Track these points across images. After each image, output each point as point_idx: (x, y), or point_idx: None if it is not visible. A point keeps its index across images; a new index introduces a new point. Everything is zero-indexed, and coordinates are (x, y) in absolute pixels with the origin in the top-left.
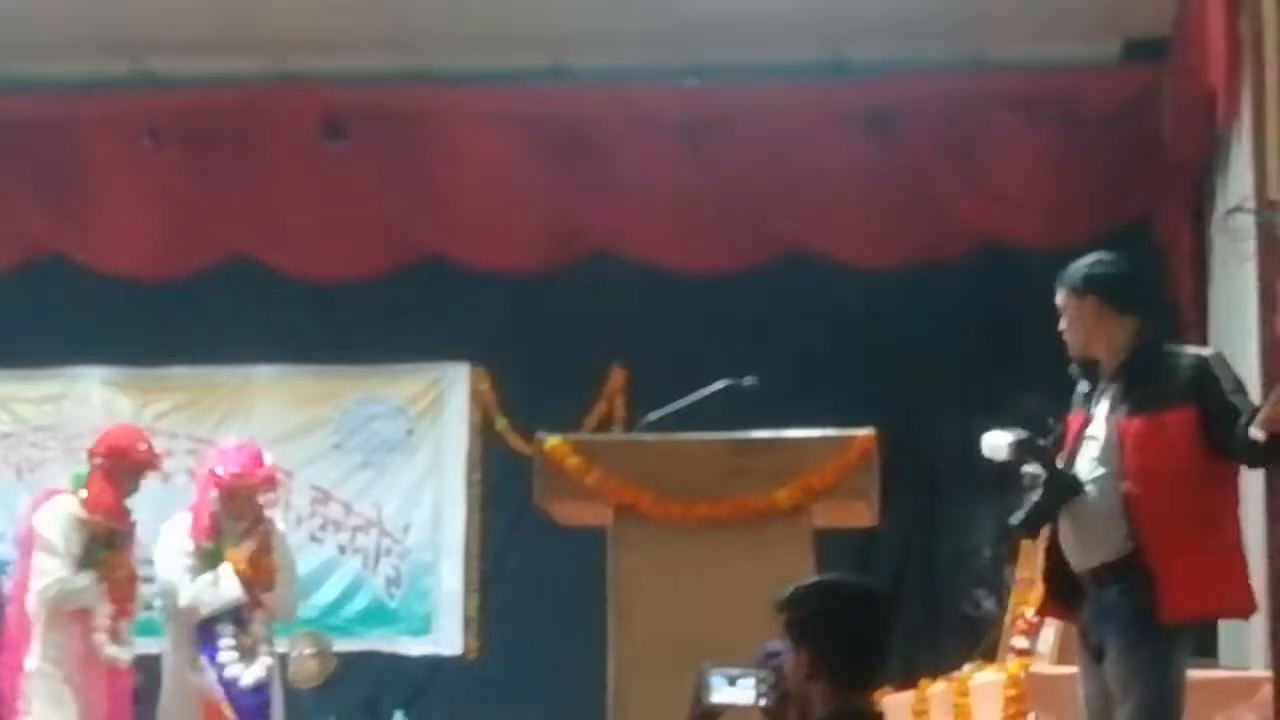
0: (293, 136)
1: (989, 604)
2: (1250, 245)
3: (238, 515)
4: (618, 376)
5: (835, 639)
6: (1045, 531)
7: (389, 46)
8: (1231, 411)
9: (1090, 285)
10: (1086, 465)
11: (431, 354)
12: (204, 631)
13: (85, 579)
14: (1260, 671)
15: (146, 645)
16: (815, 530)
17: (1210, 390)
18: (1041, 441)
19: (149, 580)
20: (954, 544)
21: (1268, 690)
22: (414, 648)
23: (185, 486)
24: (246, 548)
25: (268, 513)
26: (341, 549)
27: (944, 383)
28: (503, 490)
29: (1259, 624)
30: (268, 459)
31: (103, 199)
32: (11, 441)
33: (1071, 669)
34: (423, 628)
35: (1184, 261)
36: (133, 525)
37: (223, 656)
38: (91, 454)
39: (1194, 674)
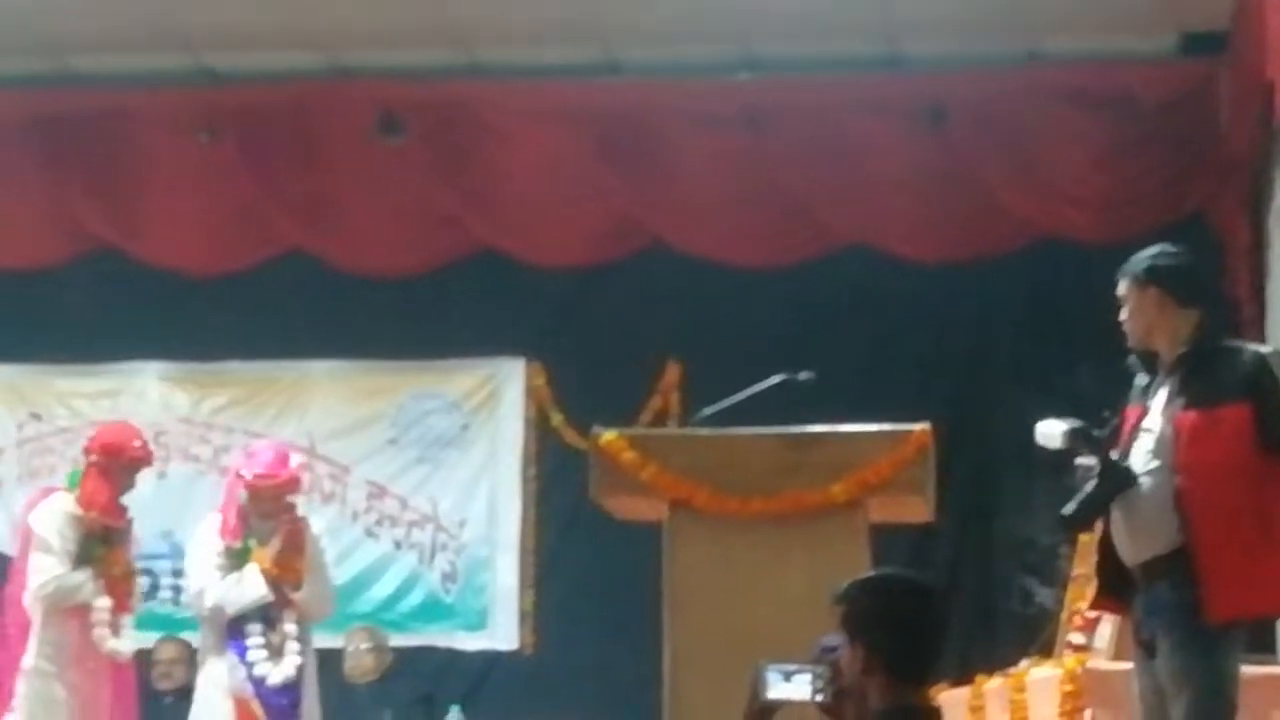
0: (348, 131)
1: (1043, 595)
2: None
3: (265, 515)
4: (673, 371)
5: (891, 634)
6: (1099, 525)
7: (444, 41)
8: None
9: (1154, 276)
10: (1141, 458)
11: (487, 349)
12: (233, 630)
13: (82, 576)
14: None
15: None
16: (871, 525)
17: (1267, 388)
18: (1096, 432)
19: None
20: (1010, 538)
21: None
22: (470, 643)
23: None
24: (273, 547)
25: (302, 513)
26: (397, 544)
27: (998, 376)
28: (558, 485)
29: None
30: (294, 460)
31: (160, 194)
32: (69, 436)
33: (1128, 665)
34: (478, 623)
35: (1241, 256)
36: (129, 522)
37: (251, 655)
38: (86, 451)
39: (1251, 670)
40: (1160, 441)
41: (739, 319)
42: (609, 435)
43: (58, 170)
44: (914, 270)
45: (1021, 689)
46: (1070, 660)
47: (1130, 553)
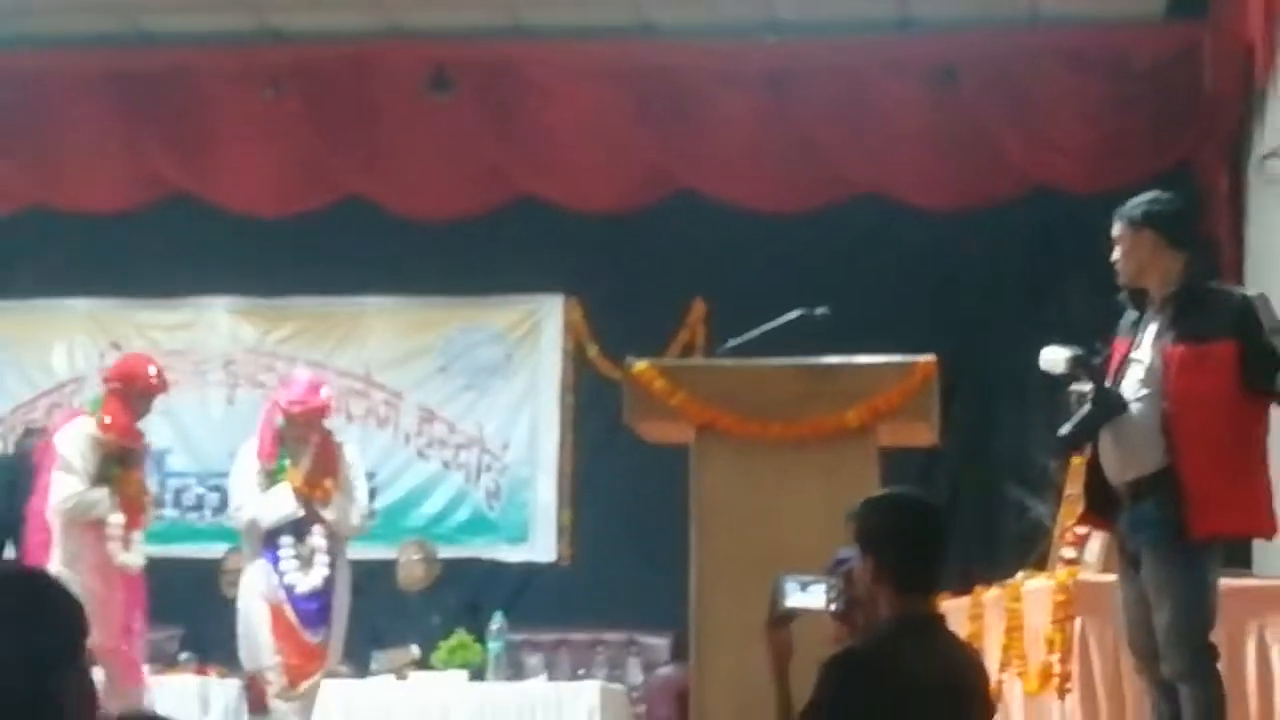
0: (401, 87)
1: (1037, 509)
2: None
3: (298, 438)
4: (699, 307)
5: (899, 547)
6: (1088, 448)
7: (491, 4)
8: (1269, 351)
9: (1149, 220)
10: (1131, 386)
11: (528, 286)
12: (268, 542)
13: (99, 493)
14: None
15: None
16: (881, 448)
17: (1252, 329)
18: (1094, 360)
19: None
20: (1007, 460)
21: None
22: (512, 555)
23: None
24: (304, 468)
25: (338, 438)
26: (446, 464)
27: (998, 312)
28: (593, 411)
29: None
30: (324, 390)
31: (229, 144)
32: None
33: (1114, 577)
34: (520, 536)
35: (1222, 204)
36: (146, 445)
37: (283, 565)
38: (106, 380)
39: (1228, 583)
40: (1150, 372)
41: (760, 260)
42: (641, 365)
43: (136, 123)
44: (922, 216)
45: (1017, 599)
46: (1062, 573)
47: (1118, 473)
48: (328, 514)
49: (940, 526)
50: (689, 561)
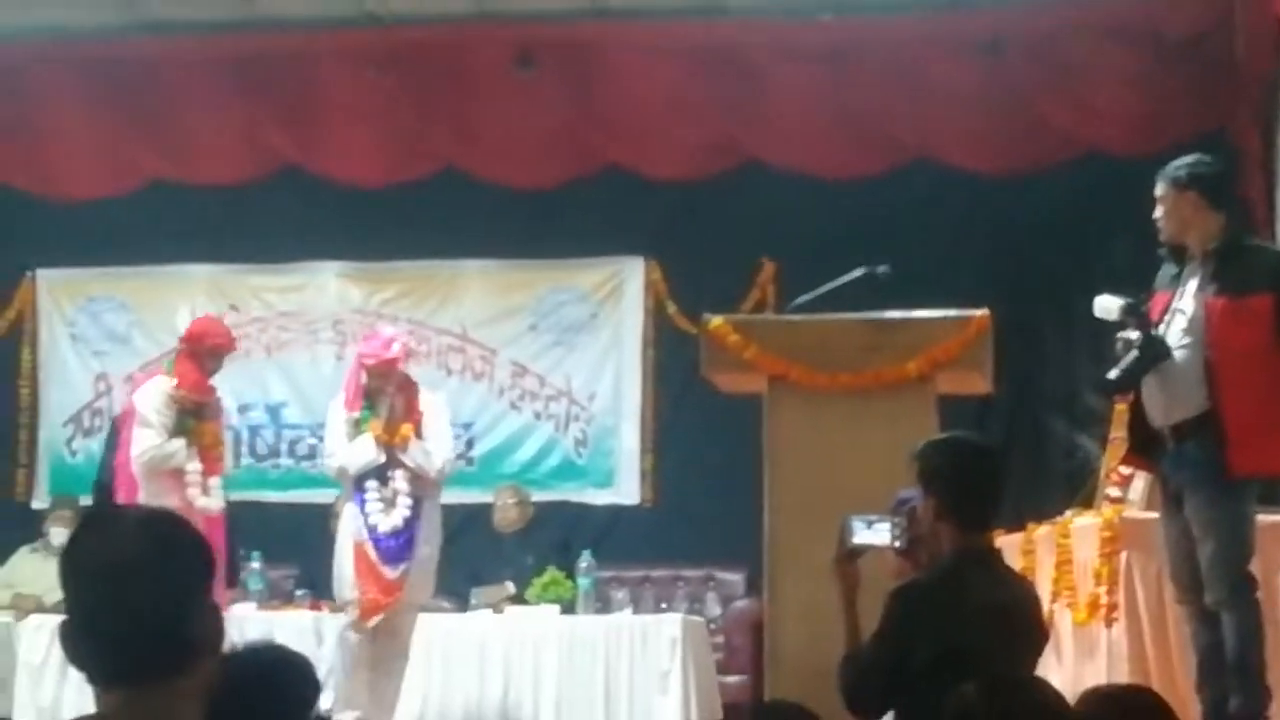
0: (490, 65)
1: (1087, 445)
2: None
3: (378, 390)
4: (768, 267)
5: (958, 487)
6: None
7: None
8: None
9: (1192, 181)
10: (1175, 335)
11: (611, 249)
12: (357, 486)
13: (175, 445)
14: None
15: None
16: (939, 396)
17: None
18: (1144, 309)
19: None
20: (1056, 404)
21: None
22: (599, 498)
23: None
24: (383, 416)
25: (424, 389)
26: (537, 415)
27: (1046, 267)
28: (672, 364)
29: None
30: (396, 345)
31: (336, 120)
32: (262, 324)
33: (1157, 514)
34: (606, 481)
35: (1254, 166)
36: (218, 399)
37: (368, 507)
38: (181, 341)
39: (1263, 518)
40: (1193, 321)
41: (824, 222)
42: (716, 321)
43: (251, 102)
44: (974, 180)
45: (1066, 535)
46: (1108, 510)
47: (1162, 415)
48: (406, 459)
49: (996, 467)
50: (762, 502)
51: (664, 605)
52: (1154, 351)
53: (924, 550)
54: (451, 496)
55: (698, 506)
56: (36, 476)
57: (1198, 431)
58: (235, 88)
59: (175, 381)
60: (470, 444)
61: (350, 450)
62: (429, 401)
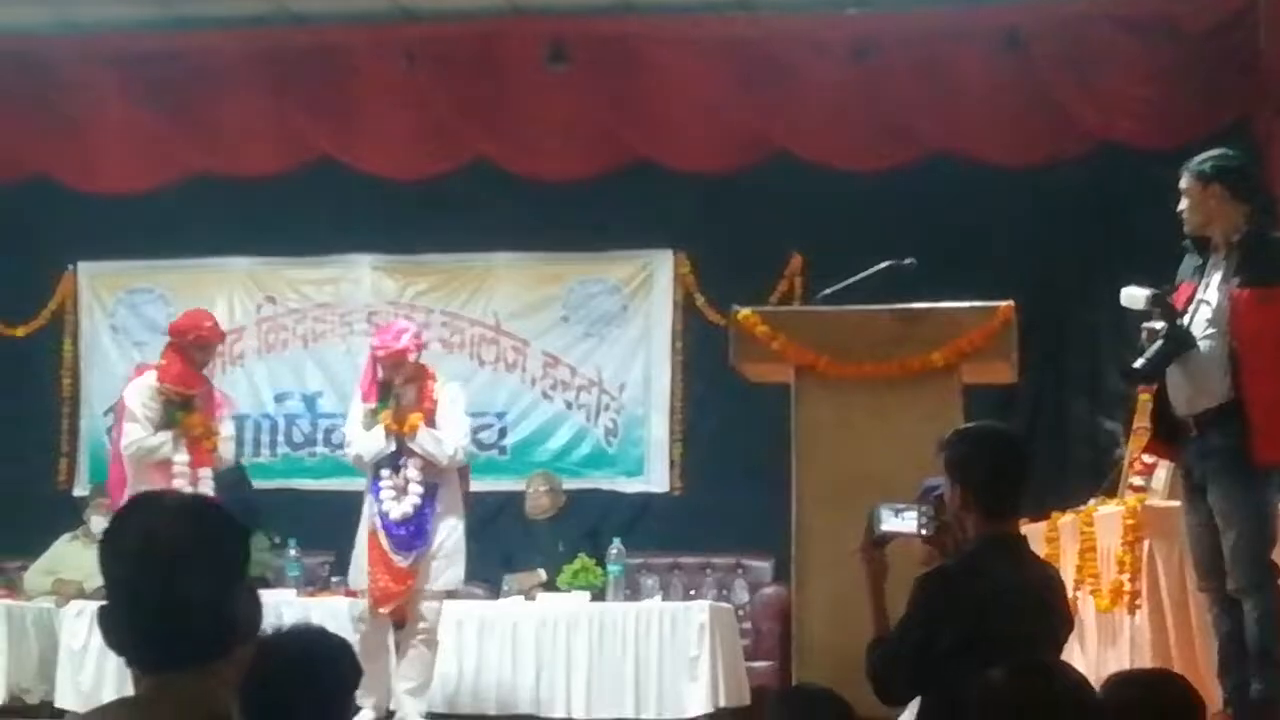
0: (523, 60)
1: (1112, 428)
2: None
3: (389, 380)
4: (796, 260)
5: (985, 475)
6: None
7: None
8: None
9: (1217, 174)
10: (1200, 325)
11: (642, 242)
12: (373, 474)
13: (160, 438)
14: None
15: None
16: (965, 386)
17: None
18: (1170, 299)
19: None
20: (1080, 393)
21: None
22: (629, 486)
23: (438, 354)
24: (393, 406)
25: (439, 379)
26: (569, 405)
27: (1070, 260)
28: (701, 355)
29: None
30: (406, 336)
31: (370, 113)
32: (299, 316)
33: (1179, 503)
34: (636, 469)
35: (1275, 159)
36: (209, 389)
37: (381, 495)
38: (168, 334)
39: None
40: (1217, 312)
41: (851, 215)
42: (745, 312)
43: (287, 97)
44: (997, 173)
45: (1090, 523)
46: (1131, 499)
47: (1187, 404)
48: (416, 447)
49: (1021, 456)
50: (790, 490)
51: (693, 592)
52: (1179, 341)
53: (950, 538)
54: (483, 484)
55: (726, 495)
56: (77, 465)
57: (1221, 421)
58: (271, 83)
59: (160, 375)
60: (503, 433)
61: (364, 440)
62: (445, 390)
